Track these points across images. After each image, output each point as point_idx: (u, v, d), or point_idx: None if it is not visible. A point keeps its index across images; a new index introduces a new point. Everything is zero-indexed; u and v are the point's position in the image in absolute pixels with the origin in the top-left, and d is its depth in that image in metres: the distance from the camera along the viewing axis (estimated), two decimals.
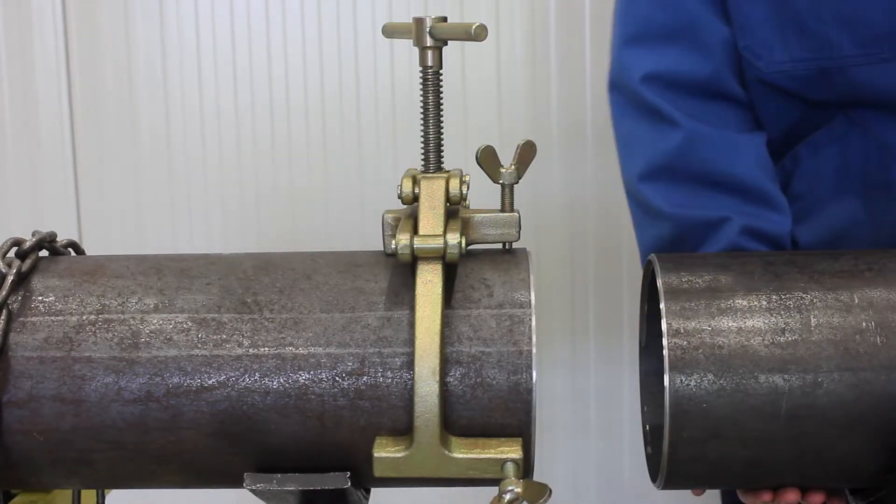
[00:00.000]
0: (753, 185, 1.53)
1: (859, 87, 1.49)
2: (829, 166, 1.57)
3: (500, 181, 1.23)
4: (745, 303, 1.20)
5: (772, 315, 1.19)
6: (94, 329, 1.16)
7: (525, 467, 1.13)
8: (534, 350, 1.14)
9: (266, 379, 1.14)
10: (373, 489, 1.24)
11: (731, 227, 1.48)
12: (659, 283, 1.23)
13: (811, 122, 1.57)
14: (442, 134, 1.23)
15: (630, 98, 1.59)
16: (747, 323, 1.18)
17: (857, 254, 1.28)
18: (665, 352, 1.17)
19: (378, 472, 1.12)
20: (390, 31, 1.27)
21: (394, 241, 1.15)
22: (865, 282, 1.21)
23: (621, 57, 1.61)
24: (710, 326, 1.18)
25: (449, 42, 1.19)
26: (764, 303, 1.20)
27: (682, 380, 1.16)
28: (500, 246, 1.26)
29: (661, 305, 1.21)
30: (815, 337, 1.17)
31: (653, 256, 1.29)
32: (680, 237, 1.52)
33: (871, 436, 1.17)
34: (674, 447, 1.17)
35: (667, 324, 1.19)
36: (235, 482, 1.17)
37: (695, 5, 1.55)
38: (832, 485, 1.27)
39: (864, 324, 1.17)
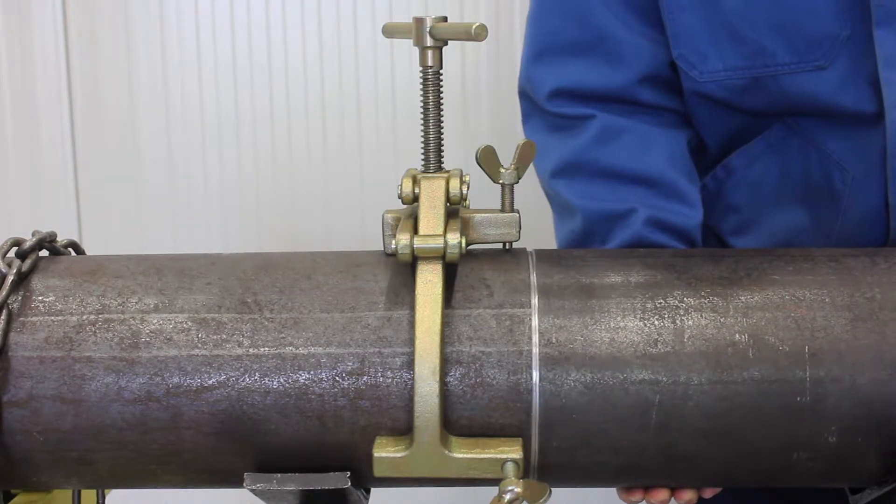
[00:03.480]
0: (661, 178, 1.50)
1: (794, 96, 1.46)
2: (768, 176, 1.54)
3: (500, 181, 1.23)
4: (619, 310, 1.17)
5: (645, 324, 1.16)
6: (94, 329, 1.16)
7: (525, 467, 1.13)
8: (534, 350, 1.14)
9: (266, 379, 1.14)
10: (373, 489, 1.24)
11: (636, 219, 1.46)
12: (532, 281, 1.20)
13: (749, 131, 1.55)
14: (442, 134, 1.23)
15: (538, 110, 1.59)
16: (620, 332, 1.15)
17: (738, 256, 1.25)
18: (535, 360, 1.15)
19: (378, 472, 1.12)
20: (390, 31, 1.27)
21: (394, 241, 1.15)
22: (743, 289, 1.19)
23: (529, 71, 1.60)
24: (582, 336, 1.15)
25: (449, 42, 1.19)
26: (639, 311, 1.17)
27: (552, 389, 1.14)
28: (500, 246, 1.26)
29: (533, 302, 1.18)
30: (688, 348, 1.15)
31: (531, 251, 1.26)
32: (589, 231, 1.50)
33: (740, 446, 1.16)
34: (544, 454, 1.16)
35: (538, 332, 1.16)
36: (235, 482, 1.17)
37: (606, 19, 1.52)
38: (703, 486, 1.27)
39: (737, 335, 1.15)
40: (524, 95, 1.63)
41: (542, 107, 1.57)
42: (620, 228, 1.47)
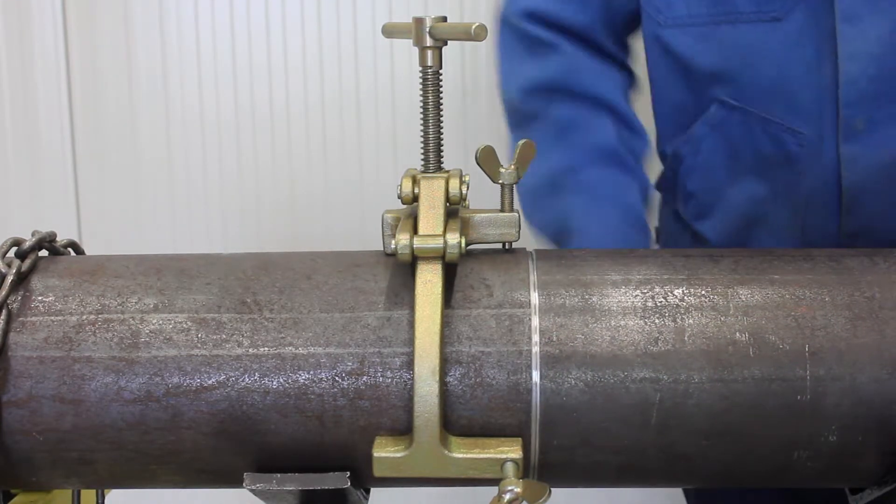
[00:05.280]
0: (621, 110, 1.71)
1: (750, 49, 1.53)
2: (716, 157, 1.60)
3: (500, 181, 1.23)
4: (620, 309, 1.17)
5: (646, 322, 1.16)
6: (93, 329, 1.16)
7: (525, 467, 1.13)
8: (534, 349, 1.14)
9: (266, 379, 1.14)
10: (373, 489, 1.24)
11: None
12: (532, 280, 1.20)
13: (690, 112, 1.64)
14: (442, 134, 1.23)
15: (514, 31, 1.75)
16: (621, 331, 1.15)
17: (738, 256, 1.26)
18: (535, 360, 1.14)
19: (378, 472, 1.12)
20: (390, 31, 1.27)
21: (393, 241, 1.15)
22: (743, 288, 1.19)
23: None
24: (582, 335, 1.15)
25: (449, 42, 1.20)
26: (640, 309, 1.17)
27: (552, 388, 1.14)
28: (500, 246, 1.26)
29: (533, 301, 1.18)
30: (689, 347, 1.15)
31: (531, 251, 1.26)
32: (554, 133, 1.68)
33: (740, 445, 1.16)
34: (544, 454, 1.16)
35: (539, 331, 1.16)
36: (235, 482, 1.17)
37: None
38: (703, 486, 1.28)
39: (738, 334, 1.15)
40: (503, 21, 1.80)
41: (517, 25, 1.74)
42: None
